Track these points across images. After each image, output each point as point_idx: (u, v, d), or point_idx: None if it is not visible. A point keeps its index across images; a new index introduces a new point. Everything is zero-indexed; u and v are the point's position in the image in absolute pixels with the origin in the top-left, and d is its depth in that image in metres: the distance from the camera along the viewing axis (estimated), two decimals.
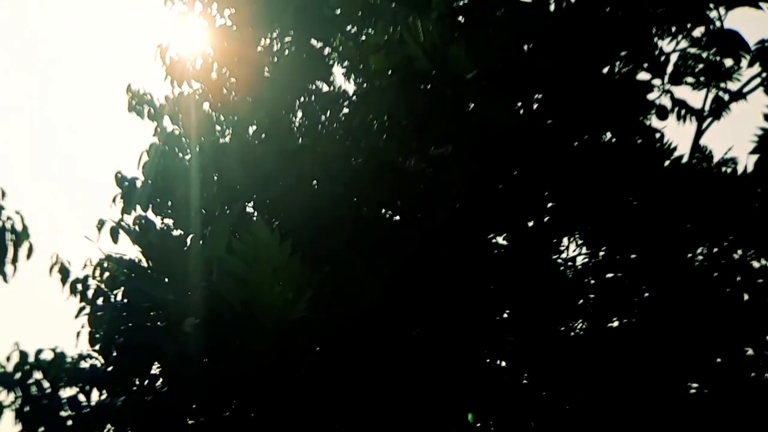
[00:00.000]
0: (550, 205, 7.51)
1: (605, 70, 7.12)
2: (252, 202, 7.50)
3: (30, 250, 6.88)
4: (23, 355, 7.20)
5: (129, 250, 8.53)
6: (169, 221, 8.01)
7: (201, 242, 6.58)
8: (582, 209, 7.29)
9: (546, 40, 7.09)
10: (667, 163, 7.12)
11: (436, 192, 7.35)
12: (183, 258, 6.51)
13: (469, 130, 7.28)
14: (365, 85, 8.46)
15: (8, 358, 7.23)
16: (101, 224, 7.57)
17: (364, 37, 8.36)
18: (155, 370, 7.37)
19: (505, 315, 7.32)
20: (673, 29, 7.22)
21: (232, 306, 6.41)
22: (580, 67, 7.04)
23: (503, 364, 7.31)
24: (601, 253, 7.38)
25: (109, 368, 7.38)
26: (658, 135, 7.06)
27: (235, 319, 6.44)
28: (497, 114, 7.27)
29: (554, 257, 7.59)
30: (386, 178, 7.55)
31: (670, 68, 7.31)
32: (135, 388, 7.45)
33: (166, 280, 6.58)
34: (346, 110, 8.68)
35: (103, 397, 7.43)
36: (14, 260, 6.76)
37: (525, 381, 7.15)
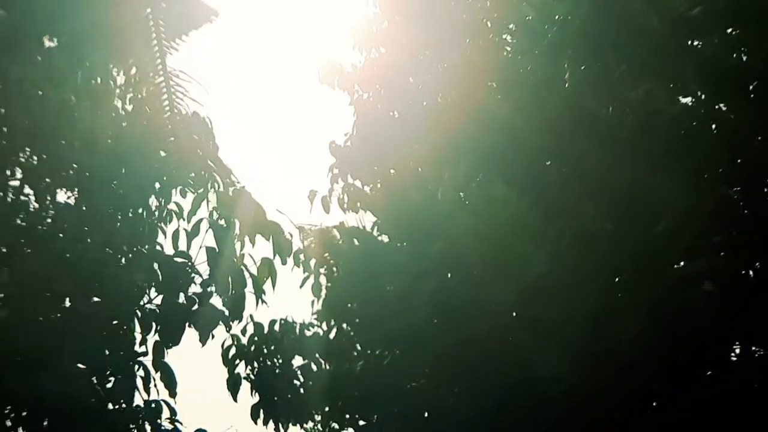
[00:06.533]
0: None
1: None
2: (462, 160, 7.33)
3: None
4: (258, 326, 7.32)
5: (328, 219, 8.48)
6: (367, 188, 7.96)
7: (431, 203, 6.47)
8: None
9: None
10: None
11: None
12: (416, 220, 6.44)
13: (686, 71, 6.94)
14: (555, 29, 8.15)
15: (243, 331, 7.37)
16: (313, 195, 7.57)
17: None
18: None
19: None
20: None
21: (469, 265, 6.31)
22: None
23: None
24: None
25: (332, 336, 7.43)
26: None
27: (472, 277, 6.34)
28: (718, 52, 6.90)
29: None
30: (585, 127, 7.31)
31: None
32: (355, 354, 7.48)
33: (398, 243, 6.54)
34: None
35: (328, 367, 7.48)
36: (241, 236, 6.82)
37: None
